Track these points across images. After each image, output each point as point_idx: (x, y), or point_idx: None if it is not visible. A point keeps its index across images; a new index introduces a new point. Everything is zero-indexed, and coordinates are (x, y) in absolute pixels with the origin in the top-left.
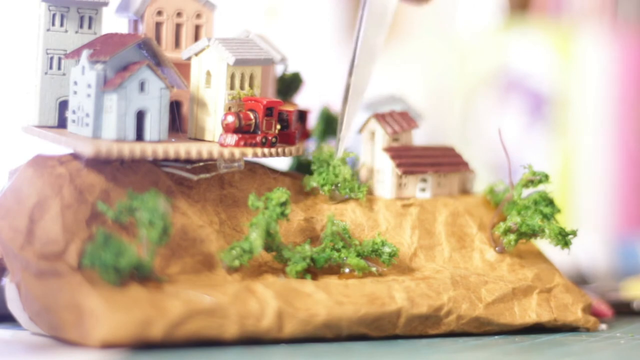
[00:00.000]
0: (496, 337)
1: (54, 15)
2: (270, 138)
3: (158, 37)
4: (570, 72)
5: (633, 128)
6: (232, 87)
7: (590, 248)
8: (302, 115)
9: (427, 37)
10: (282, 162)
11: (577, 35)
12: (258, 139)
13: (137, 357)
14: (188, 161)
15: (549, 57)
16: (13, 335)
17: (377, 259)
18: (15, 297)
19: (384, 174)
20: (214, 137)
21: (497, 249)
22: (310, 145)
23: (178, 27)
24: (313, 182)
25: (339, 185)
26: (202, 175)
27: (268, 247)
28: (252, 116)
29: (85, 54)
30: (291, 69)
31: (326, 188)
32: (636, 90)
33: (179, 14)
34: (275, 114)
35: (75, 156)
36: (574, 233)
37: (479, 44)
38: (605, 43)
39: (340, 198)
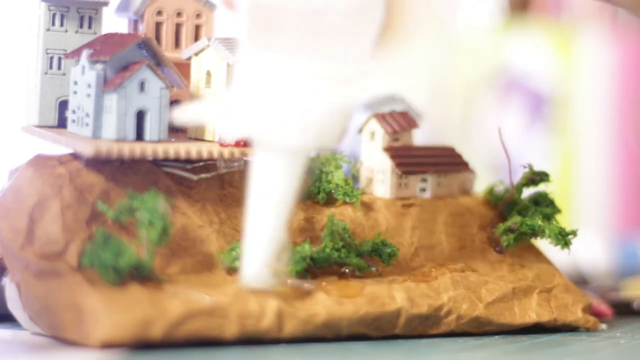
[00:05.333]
0: (496, 337)
1: (54, 15)
2: None
3: (158, 37)
4: (570, 72)
5: (633, 128)
6: None
7: (590, 248)
8: None
9: (427, 37)
10: None
11: (577, 36)
12: None
13: (136, 357)
14: (188, 161)
15: (549, 57)
16: (13, 335)
17: (377, 259)
18: (16, 297)
19: (384, 174)
20: (214, 137)
21: (497, 249)
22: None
23: (178, 27)
24: (308, 192)
25: (333, 191)
26: (202, 175)
27: None
28: None
29: (85, 54)
30: None
31: (320, 196)
32: (636, 90)
33: (179, 14)
34: None
35: (75, 156)
36: (574, 233)
37: (479, 44)
38: (605, 43)
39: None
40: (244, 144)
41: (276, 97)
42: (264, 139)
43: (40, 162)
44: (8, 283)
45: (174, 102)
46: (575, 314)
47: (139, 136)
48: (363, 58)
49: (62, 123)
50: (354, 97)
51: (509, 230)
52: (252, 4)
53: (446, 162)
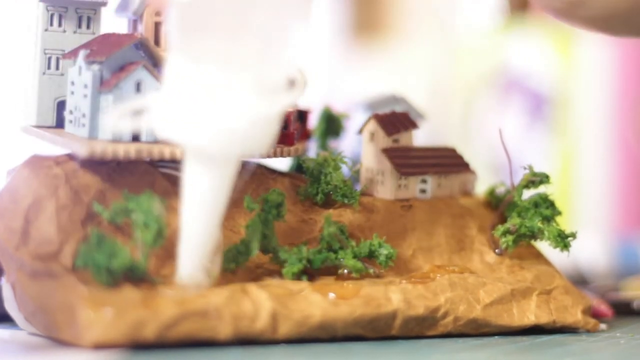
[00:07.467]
0: (496, 337)
1: (52, 15)
2: None
3: (157, 37)
4: (570, 72)
5: (633, 128)
6: None
7: (590, 248)
8: (302, 115)
9: (427, 37)
10: (282, 163)
11: (577, 36)
12: None
13: (129, 358)
14: None
15: (549, 57)
16: (11, 335)
17: (374, 261)
18: (12, 297)
19: (383, 175)
20: None
21: (496, 250)
22: (311, 147)
23: None
24: (307, 193)
25: (331, 192)
26: None
27: (264, 249)
28: None
29: (81, 54)
30: None
31: (319, 197)
32: (636, 90)
33: None
34: None
35: (71, 157)
36: (573, 235)
37: (479, 44)
38: (605, 43)
39: None
40: None
41: (201, 105)
42: (191, 147)
43: (36, 162)
44: (4, 283)
45: None
46: (575, 316)
47: (136, 137)
48: (289, 66)
49: (60, 123)
50: (280, 105)
51: (508, 232)
52: (180, 5)
53: (447, 163)
